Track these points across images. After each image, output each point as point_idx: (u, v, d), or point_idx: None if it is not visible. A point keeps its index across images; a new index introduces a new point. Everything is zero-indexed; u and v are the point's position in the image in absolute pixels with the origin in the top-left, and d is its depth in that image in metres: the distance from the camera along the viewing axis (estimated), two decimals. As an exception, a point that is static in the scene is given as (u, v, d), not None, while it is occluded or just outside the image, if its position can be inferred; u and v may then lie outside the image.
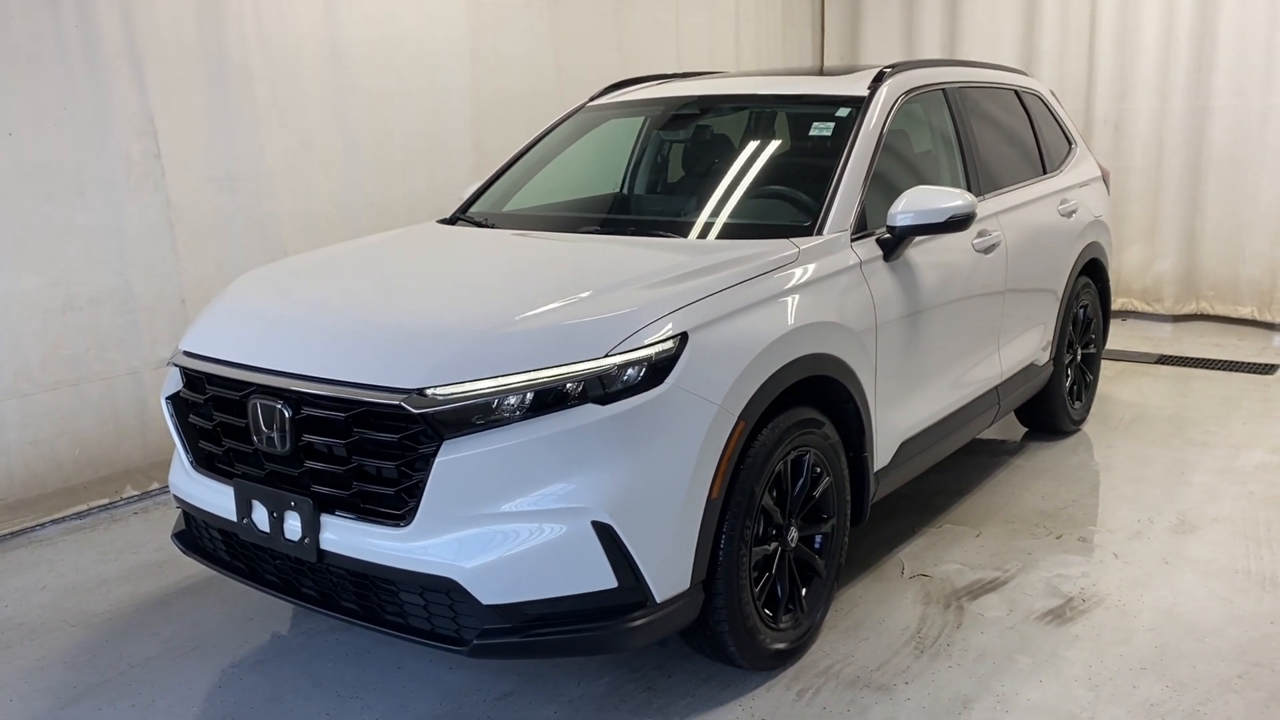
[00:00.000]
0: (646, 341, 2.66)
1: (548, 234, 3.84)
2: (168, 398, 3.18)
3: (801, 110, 4.04)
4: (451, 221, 4.13)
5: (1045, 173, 4.87)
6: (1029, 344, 4.55)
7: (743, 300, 2.93)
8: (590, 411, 2.59)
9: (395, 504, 2.67)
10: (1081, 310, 5.13)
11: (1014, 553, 3.90)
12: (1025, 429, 5.24)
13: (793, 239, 3.28)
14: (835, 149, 3.64)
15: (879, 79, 3.89)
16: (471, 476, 2.57)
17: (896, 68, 4.01)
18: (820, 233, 3.36)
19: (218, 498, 3.00)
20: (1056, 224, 4.75)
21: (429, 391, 2.57)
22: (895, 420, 3.57)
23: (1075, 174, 5.11)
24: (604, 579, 2.61)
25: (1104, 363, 5.66)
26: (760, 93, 4.27)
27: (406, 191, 5.68)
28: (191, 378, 3.09)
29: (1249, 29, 6.97)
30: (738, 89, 4.32)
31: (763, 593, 3.02)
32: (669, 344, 2.69)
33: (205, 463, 3.10)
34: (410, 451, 2.61)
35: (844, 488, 3.31)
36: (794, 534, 3.12)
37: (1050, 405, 4.99)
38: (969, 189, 4.12)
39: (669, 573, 2.69)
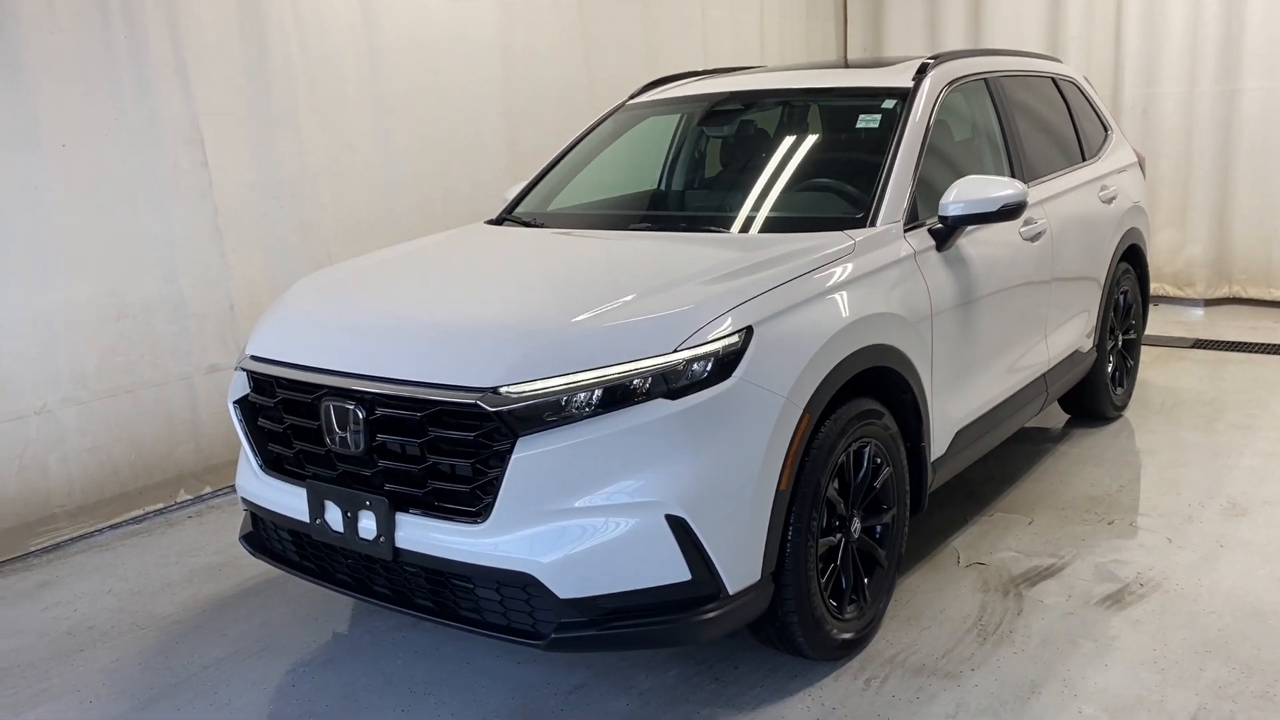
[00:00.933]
0: (712, 336, 2.69)
1: (598, 232, 3.87)
2: (235, 401, 3.22)
3: (847, 103, 4.05)
4: (498, 222, 4.17)
5: (1084, 160, 4.88)
6: (1074, 331, 4.57)
7: (804, 293, 2.95)
8: (661, 406, 2.62)
9: (470, 501, 2.70)
10: (1122, 296, 5.14)
11: (1067, 539, 3.91)
12: (1068, 416, 5.24)
13: (847, 231, 3.30)
14: (882, 141, 3.65)
15: (923, 70, 3.90)
16: (547, 472, 2.60)
17: (939, 58, 4.02)
18: (873, 224, 3.38)
19: (289, 499, 3.03)
20: (1098, 210, 4.76)
21: (503, 390, 2.61)
22: (950, 409, 3.59)
23: (1113, 160, 5.11)
24: (678, 572, 2.64)
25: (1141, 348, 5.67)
26: (804, 86, 4.27)
27: (446, 192, 5.72)
28: (260, 381, 3.13)
29: (1277, 10, 6.95)
30: (780, 83, 4.32)
31: (828, 583, 3.05)
32: (735, 338, 2.72)
33: (274, 465, 3.14)
34: (485, 449, 2.65)
35: (903, 478, 3.33)
36: (857, 524, 3.15)
37: (1093, 391, 5.00)
38: (1014, 178, 4.12)
39: (741, 565, 2.72)
